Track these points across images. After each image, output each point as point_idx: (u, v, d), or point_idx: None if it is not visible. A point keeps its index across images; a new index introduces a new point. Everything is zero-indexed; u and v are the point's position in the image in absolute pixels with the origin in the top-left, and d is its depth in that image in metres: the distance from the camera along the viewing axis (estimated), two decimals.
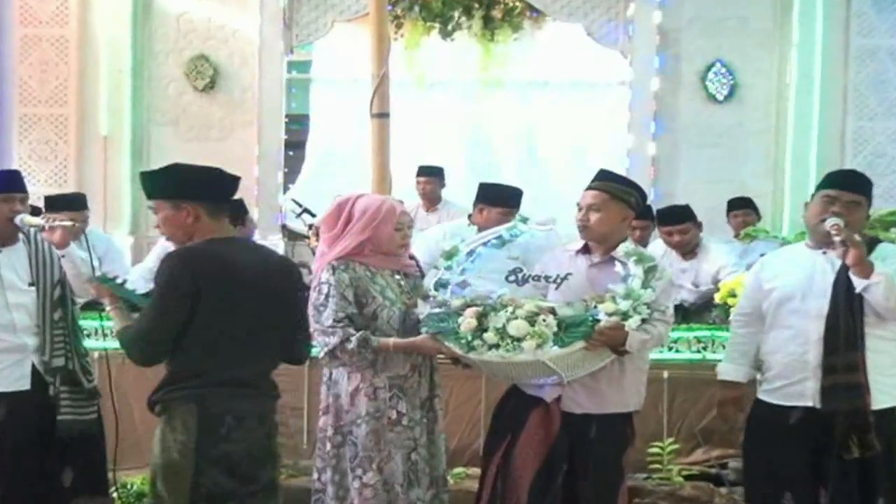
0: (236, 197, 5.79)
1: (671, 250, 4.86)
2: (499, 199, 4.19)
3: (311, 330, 2.74)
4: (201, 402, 2.41)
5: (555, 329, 2.63)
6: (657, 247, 4.96)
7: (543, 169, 6.76)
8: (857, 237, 2.74)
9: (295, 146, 6.96)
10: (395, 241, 2.84)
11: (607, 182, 2.94)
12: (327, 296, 2.70)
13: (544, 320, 2.63)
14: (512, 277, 2.91)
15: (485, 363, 2.74)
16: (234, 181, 2.60)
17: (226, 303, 2.42)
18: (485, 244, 3.10)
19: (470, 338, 2.67)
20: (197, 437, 2.39)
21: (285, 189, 6.64)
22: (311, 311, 2.74)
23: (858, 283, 2.76)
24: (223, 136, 6.53)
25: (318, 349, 2.76)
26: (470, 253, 3.06)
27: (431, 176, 6.12)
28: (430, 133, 6.74)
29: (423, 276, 2.99)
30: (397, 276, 2.89)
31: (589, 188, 2.94)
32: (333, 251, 2.77)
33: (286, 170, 6.67)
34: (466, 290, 2.91)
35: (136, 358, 2.48)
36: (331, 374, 2.82)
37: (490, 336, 2.65)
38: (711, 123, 6.53)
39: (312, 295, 2.75)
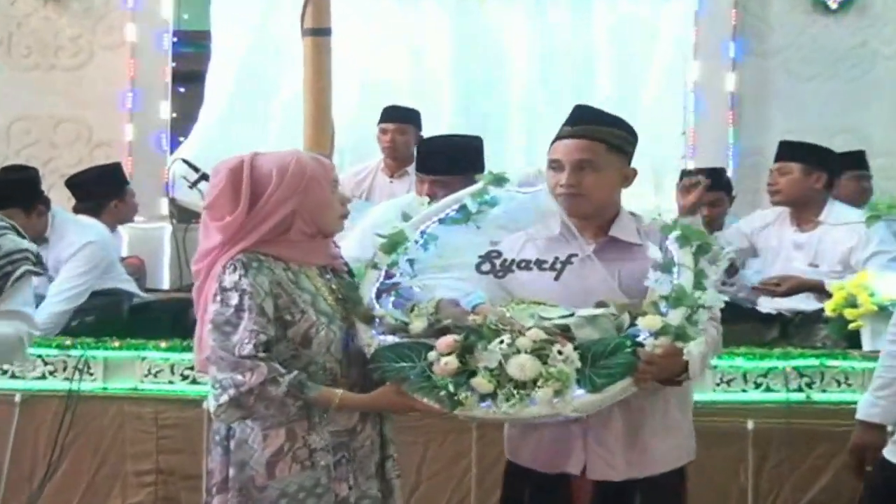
0: (110, 161, 5.83)
1: (785, 216, 4.89)
2: (437, 165, 4.00)
3: (211, 361, 2.71)
4: None
5: (577, 364, 2.58)
6: (760, 217, 5.03)
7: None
8: None
9: (188, 79, 6.93)
10: (335, 211, 2.81)
11: (600, 126, 2.86)
12: (239, 308, 2.64)
13: (560, 352, 2.57)
14: (486, 266, 2.85)
15: (476, 418, 2.73)
16: None
17: None
18: (441, 220, 3.04)
19: (452, 387, 2.60)
20: None
21: (173, 145, 6.62)
22: (209, 332, 2.69)
23: None
24: (79, 63, 6.49)
25: (215, 392, 2.67)
26: (421, 235, 3.00)
27: (403, 122, 5.99)
28: (393, 60, 6.73)
29: (352, 275, 2.95)
30: (327, 277, 2.87)
31: (570, 135, 2.86)
32: (239, 242, 2.70)
33: (175, 115, 6.65)
34: (419, 295, 2.85)
35: None
36: (229, 429, 2.75)
37: (481, 382, 2.59)
38: (820, 44, 6.56)
39: (212, 308, 2.68)
